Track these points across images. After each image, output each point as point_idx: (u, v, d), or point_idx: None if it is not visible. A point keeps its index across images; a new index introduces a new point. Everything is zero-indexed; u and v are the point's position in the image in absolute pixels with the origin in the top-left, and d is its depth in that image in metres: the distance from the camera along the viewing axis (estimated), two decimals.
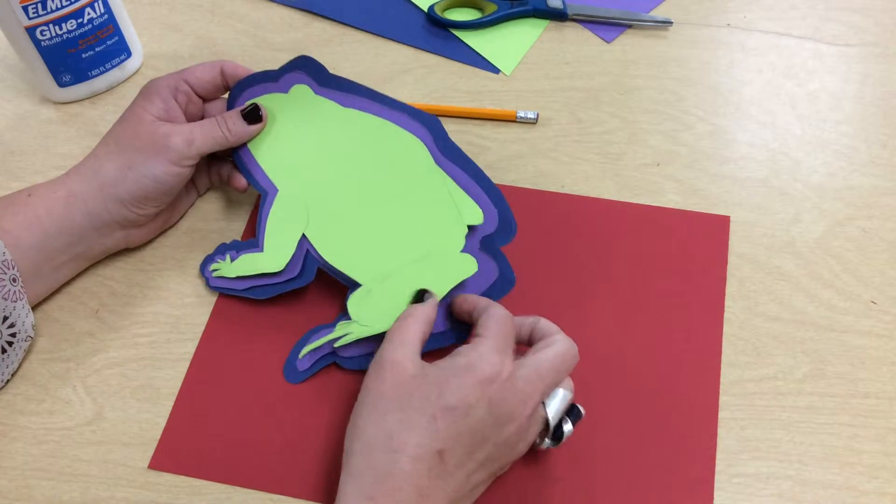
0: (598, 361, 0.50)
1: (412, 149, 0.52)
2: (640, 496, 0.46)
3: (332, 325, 0.50)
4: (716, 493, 0.45)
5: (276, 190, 0.53)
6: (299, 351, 0.50)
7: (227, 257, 0.53)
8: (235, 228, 0.57)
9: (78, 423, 0.49)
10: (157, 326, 0.53)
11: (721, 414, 0.48)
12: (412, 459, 0.39)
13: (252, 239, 0.53)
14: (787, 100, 0.63)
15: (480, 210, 0.50)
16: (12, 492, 0.46)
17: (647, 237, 0.55)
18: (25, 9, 0.57)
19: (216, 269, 0.53)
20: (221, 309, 0.53)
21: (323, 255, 0.50)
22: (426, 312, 0.46)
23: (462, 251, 0.50)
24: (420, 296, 0.47)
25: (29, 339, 0.50)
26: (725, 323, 0.51)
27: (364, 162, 0.52)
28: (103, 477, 0.47)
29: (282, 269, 0.51)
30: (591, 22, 0.69)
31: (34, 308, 0.51)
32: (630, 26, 0.69)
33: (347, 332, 0.48)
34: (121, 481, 0.47)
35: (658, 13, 0.69)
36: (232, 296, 0.53)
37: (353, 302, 0.49)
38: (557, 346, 0.43)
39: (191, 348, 0.52)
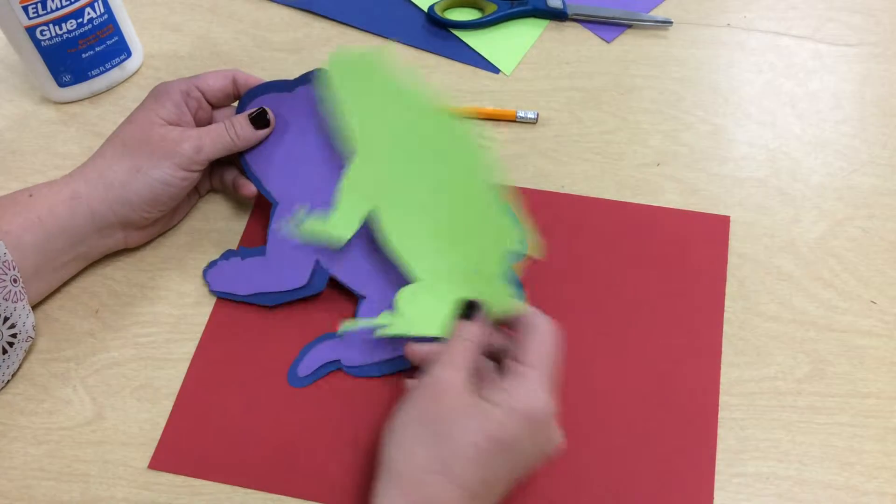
0: (599, 361, 0.50)
1: (475, 163, 0.49)
2: (641, 496, 0.46)
3: (341, 336, 0.51)
4: (716, 493, 0.45)
5: (352, 158, 0.50)
6: (304, 356, 0.50)
7: (302, 211, 0.52)
8: (235, 228, 0.57)
9: (78, 423, 0.49)
10: (157, 326, 0.53)
11: (721, 414, 0.48)
12: (461, 488, 0.39)
13: (262, 246, 0.53)
14: (787, 100, 0.63)
15: (534, 240, 0.49)
16: (12, 492, 0.46)
17: (647, 237, 0.55)
18: (25, 9, 0.57)
19: (281, 229, 0.52)
20: (221, 309, 0.53)
21: (388, 236, 0.49)
22: (477, 334, 0.44)
23: (501, 278, 0.48)
24: (467, 308, 0.45)
25: (30, 339, 0.50)
26: (725, 323, 0.51)
27: (440, 154, 0.50)
28: (103, 477, 0.47)
29: (346, 240, 0.50)
30: (591, 22, 0.69)
31: (34, 308, 0.51)
32: (630, 26, 0.69)
33: (389, 322, 0.48)
34: (121, 481, 0.47)
35: (658, 13, 0.69)
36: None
37: (404, 295, 0.48)
38: (550, 343, 0.43)
39: (191, 348, 0.52)
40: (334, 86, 0.51)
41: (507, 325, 0.46)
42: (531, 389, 0.41)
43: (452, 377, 0.41)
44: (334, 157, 0.53)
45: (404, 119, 0.50)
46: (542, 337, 0.43)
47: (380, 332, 0.48)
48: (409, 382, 0.45)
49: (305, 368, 0.50)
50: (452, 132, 0.50)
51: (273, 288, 0.52)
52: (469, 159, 0.49)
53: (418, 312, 0.48)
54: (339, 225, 0.50)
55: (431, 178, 0.50)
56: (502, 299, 0.46)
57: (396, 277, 0.51)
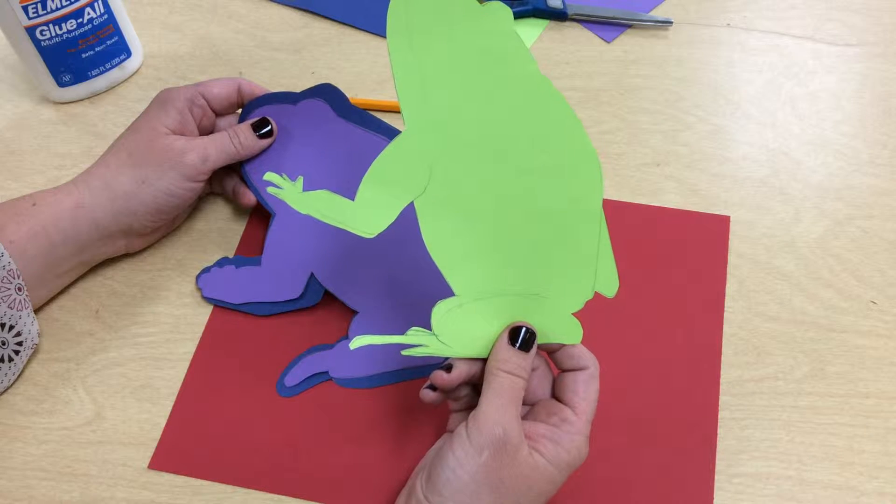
0: (599, 361, 0.50)
1: (586, 175, 0.41)
2: (641, 496, 0.46)
3: (332, 347, 0.50)
4: (716, 493, 0.45)
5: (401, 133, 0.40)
6: (293, 366, 0.50)
7: (300, 179, 0.43)
8: (235, 228, 0.57)
9: (78, 423, 0.49)
10: (157, 326, 0.53)
11: (721, 414, 0.48)
12: None
13: (257, 256, 0.53)
14: (787, 100, 0.63)
15: (618, 282, 0.43)
16: (12, 492, 0.46)
17: (647, 237, 0.55)
18: (25, 9, 0.57)
19: (276, 190, 0.42)
20: (221, 310, 0.53)
21: (425, 239, 0.40)
22: (528, 369, 0.41)
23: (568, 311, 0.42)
24: (523, 337, 0.41)
25: (35, 346, 0.50)
26: (725, 323, 0.51)
27: (531, 145, 0.40)
28: (103, 477, 0.47)
29: (374, 235, 0.40)
30: (591, 22, 0.69)
31: (35, 310, 0.51)
32: (630, 26, 0.69)
33: (422, 343, 0.41)
34: (121, 481, 0.47)
35: (658, 13, 0.69)
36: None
37: (440, 312, 0.41)
38: (595, 387, 0.42)
39: (191, 348, 0.52)
40: (395, 23, 0.39)
41: (547, 351, 0.43)
42: (579, 441, 0.40)
43: (517, 436, 0.39)
44: (334, 171, 0.53)
45: (488, 84, 0.39)
46: (592, 380, 0.42)
47: (410, 352, 0.41)
48: (425, 394, 0.42)
49: (293, 378, 0.50)
50: (556, 119, 0.39)
51: (266, 298, 0.52)
52: (572, 162, 0.40)
53: (456, 332, 0.41)
54: (365, 216, 0.40)
55: (509, 174, 0.40)
56: (561, 333, 0.42)
57: (392, 294, 0.51)
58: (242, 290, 0.52)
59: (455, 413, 0.44)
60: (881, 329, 0.51)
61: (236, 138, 0.52)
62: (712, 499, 0.45)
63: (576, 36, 0.69)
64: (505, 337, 0.41)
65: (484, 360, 0.42)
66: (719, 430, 0.47)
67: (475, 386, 0.43)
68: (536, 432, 0.40)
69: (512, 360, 0.40)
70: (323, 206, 0.41)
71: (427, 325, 0.41)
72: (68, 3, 0.58)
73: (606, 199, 0.57)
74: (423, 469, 0.42)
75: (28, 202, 0.50)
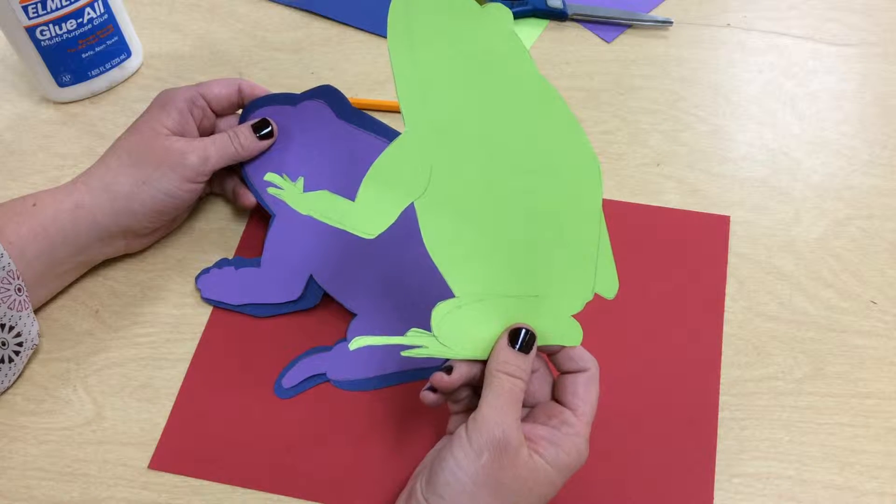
0: (598, 361, 0.50)
1: (585, 177, 0.41)
2: (641, 496, 0.46)
3: (330, 349, 0.50)
4: (716, 493, 0.45)
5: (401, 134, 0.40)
6: (290, 368, 0.50)
7: (301, 179, 0.43)
8: (235, 229, 0.57)
9: (78, 423, 0.49)
10: (157, 326, 0.53)
11: (721, 414, 0.48)
12: None
13: (257, 258, 0.53)
14: (787, 100, 0.63)
15: (617, 283, 0.43)
16: (12, 492, 0.46)
17: (647, 237, 0.55)
18: (25, 9, 0.57)
19: (277, 191, 0.43)
20: (221, 310, 0.53)
21: (425, 240, 0.40)
22: (528, 371, 0.41)
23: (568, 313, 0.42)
24: (523, 339, 0.41)
25: (34, 346, 0.50)
26: (725, 323, 0.51)
27: (531, 147, 0.40)
28: (103, 477, 0.47)
29: (374, 236, 0.41)
30: (591, 22, 0.69)
31: (35, 311, 0.51)
32: (630, 26, 0.69)
33: (422, 344, 0.41)
34: (121, 481, 0.47)
35: (658, 13, 0.69)
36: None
37: (439, 313, 0.41)
38: (595, 389, 0.42)
39: (191, 348, 0.52)
40: (396, 24, 0.39)
41: (547, 353, 0.43)
42: (579, 443, 0.40)
43: (517, 438, 0.39)
44: (335, 172, 0.53)
45: (488, 86, 0.39)
46: (592, 382, 0.42)
47: (410, 353, 0.41)
48: (425, 396, 0.42)
49: (290, 380, 0.50)
50: (555, 120, 0.39)
51: (265, 300, 0.52)
52: (572, 163, 0.40)
53: (456, 333, 0.41)
54: (365, 217, 0.40)
55: (509, 175, 0.40)
56: (561, 335, 0.42)
57: (392, 296, 0.51)
58: (242, 291, 0.52)
59: (455, 415, 0.44)
60: (881, 329, 0.51)
61: (237, 139, 0.52)
62: (712, 499, 0.45)
63: (576, 36, 0.69)
64: (505, 339, 0.41)
65: (484, 362, 0.42)
66: (719, 430, 0.47)
67: (475, 388, 0.43)
68: (536, 434, 0.40)
69: (512, 362, 0.40)
70: (323, 206, 0.41)
71: (427, 326, 0.41)
72: (68, 3, 0.58)
73: (606, 199, 0.57)
74: (422, 471, 0.42)
75: (28, 202, 0.50)
